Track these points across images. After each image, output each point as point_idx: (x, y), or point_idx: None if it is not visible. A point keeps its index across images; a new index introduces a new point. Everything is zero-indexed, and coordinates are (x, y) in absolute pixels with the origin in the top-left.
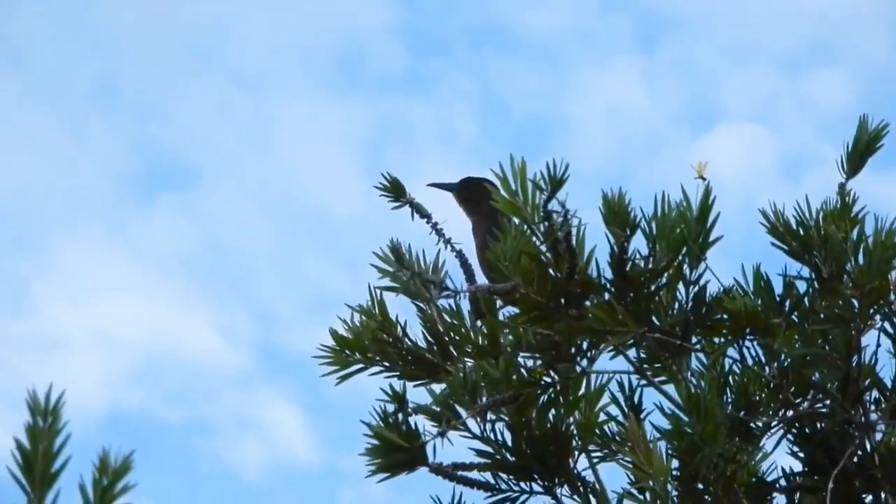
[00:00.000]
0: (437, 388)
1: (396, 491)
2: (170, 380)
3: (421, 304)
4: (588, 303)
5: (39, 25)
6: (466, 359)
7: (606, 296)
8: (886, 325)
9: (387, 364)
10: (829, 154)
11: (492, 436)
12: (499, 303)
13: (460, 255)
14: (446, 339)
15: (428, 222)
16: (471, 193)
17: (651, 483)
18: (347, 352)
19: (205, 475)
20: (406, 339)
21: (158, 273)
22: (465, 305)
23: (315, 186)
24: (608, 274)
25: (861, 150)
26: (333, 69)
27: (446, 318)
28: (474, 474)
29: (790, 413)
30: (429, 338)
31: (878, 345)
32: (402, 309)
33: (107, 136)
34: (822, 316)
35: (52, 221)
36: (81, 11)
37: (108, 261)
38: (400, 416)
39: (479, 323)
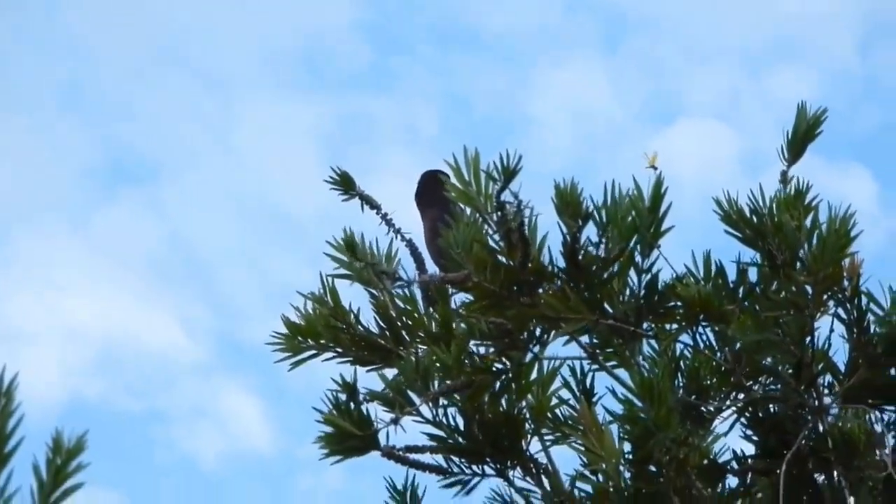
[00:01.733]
0: (390, 372)
1: (352, 476)
2: (130, 370)
3: (374, 291)
4: (541, 290)
5: (4, 23)
6: (419, 344)
7: (559, 283)
8: (840, 310)
9: (339, 350)
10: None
11: (444, 420)
12: (451, 289)
13: (410, 244)
14: (398, 324)
15: (378, 213)
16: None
17: (603, 465)
18: (300, 338)
19: (162, 463)
20: (359, 326)
21: (120, 266)
22: (418, 292)
23: (277, 182)
24: (561, 262)
25: (801, 137)
26: (297, 67)
27: (399, 303)
28: (427, 457)
29: (742, 397)
30: (381, 323)
31: (832, 330)
32: (354, 296)
33: (70, 132)
34: (775, 302)
35: (14, 215)
36: (48, 11)
37: (70, 254)
38: (352, 404)
39: (431, 309)
